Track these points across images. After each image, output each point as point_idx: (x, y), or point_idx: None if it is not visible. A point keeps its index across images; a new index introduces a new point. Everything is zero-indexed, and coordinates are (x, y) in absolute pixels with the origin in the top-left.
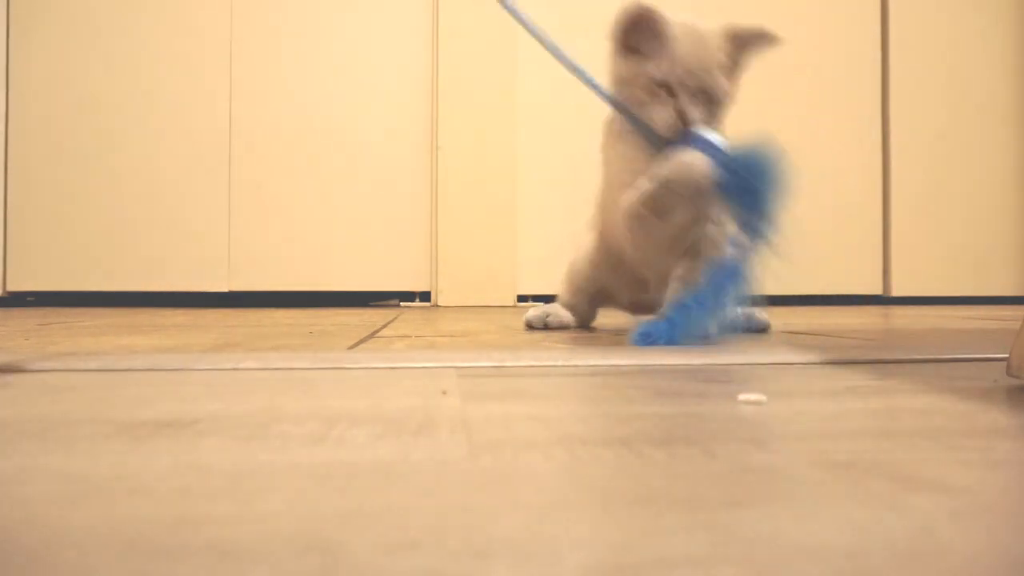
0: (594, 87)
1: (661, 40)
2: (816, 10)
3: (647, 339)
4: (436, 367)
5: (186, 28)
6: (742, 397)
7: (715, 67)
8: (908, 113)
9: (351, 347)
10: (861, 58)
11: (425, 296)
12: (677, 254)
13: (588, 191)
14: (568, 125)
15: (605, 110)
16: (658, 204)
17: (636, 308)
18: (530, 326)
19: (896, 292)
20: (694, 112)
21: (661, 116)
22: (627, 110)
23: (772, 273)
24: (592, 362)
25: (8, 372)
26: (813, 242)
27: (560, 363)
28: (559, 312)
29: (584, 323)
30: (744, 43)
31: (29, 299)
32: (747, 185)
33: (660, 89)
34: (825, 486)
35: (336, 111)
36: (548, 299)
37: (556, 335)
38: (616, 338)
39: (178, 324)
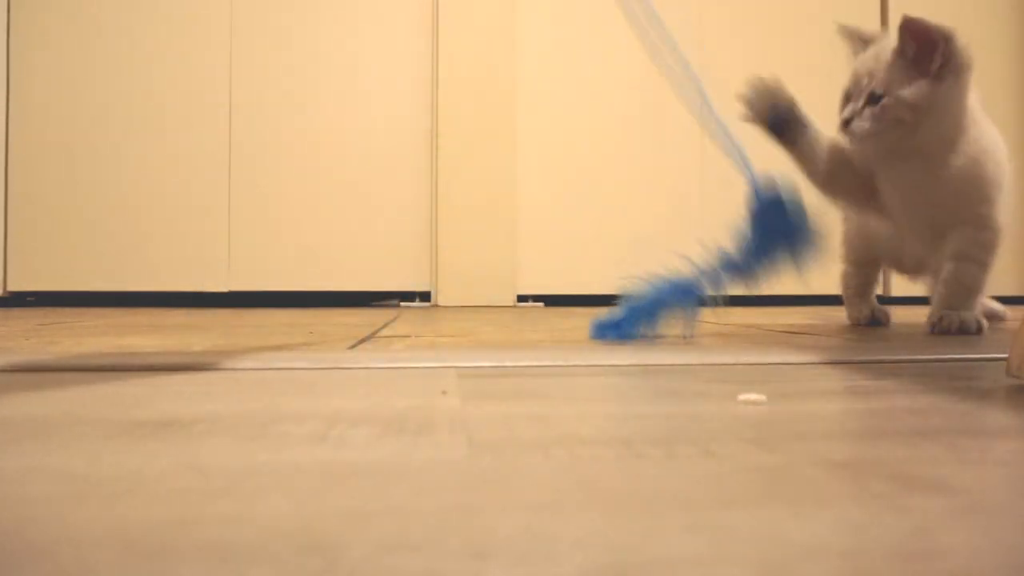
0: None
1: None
2: (816, 11)
3: (601, 332)
4: (436, 367)
5: (186, 27)
6: (742, 397)
7: (880, 71)
8: None
9: (351, 347)
10: None
11: (425, 296)
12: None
13: (587, 191)
14: (569, 124)
15: (606, 110)
16: None
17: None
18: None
19: (896, 292)
20: (847, 113)
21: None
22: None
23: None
24: (592, 362)
25: (8, 372)
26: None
27: (560, 363)
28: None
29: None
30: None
31: (29, 299)
32: (780, 226)
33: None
34: (825, 486)
35: (336, 110)
36: (548, 299)
37: (556, 336)
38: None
39: (178, 324)
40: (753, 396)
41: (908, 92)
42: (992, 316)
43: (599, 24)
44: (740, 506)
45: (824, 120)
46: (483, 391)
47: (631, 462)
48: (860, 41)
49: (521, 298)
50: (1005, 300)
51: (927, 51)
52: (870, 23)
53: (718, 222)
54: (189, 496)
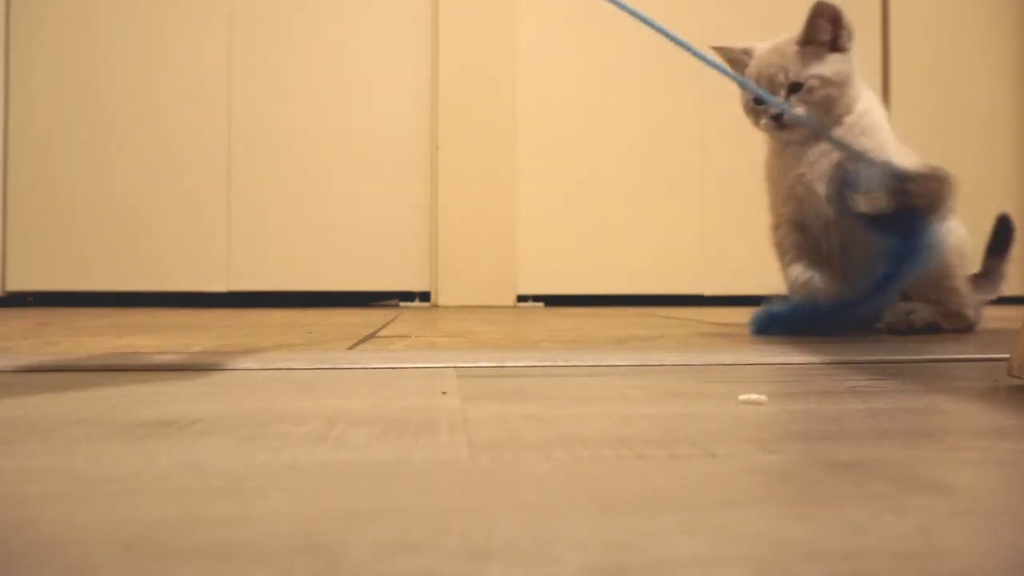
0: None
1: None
2: None
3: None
4: (436, 367)
5: (185, 28)
6: (742, 397)
7: (791, 63)
8: (907, 113)
9: (351, 347)
10: (862, 63)
11: (425, 296)
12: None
13: (587, 190)
14: (568, 125)
15: (606, 110)
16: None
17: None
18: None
19: None
20: (774, 108)
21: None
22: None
23: (774, 273)
24: (592, 362)
25: (9, 372)
26: None
27: (560, 363)
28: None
29: None
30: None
31: (29, 299)
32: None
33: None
34: (825, 486)
35: (336, 111)
36: (548, 299)
37: (556, 336)
38: (616, 338)
39: (178, 324)
40: (753, 396)
41: (827, 69)
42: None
43: (599, 25)
44: (740, 506)
45: None
46: (483, 391)
47: (631, 462)
48: (737, 55)
49: (521, 298)
50: (1005, 300)
51: (831, 32)
52: (871, 22)
53: (718, 222)
54: (189, 496)
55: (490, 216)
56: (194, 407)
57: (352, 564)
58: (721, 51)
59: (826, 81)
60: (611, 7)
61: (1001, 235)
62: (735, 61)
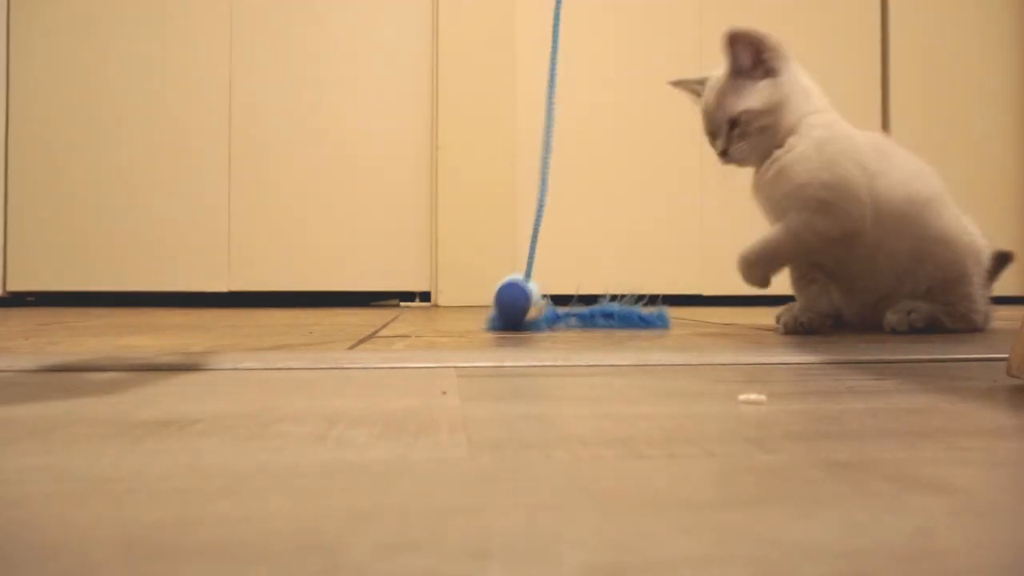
0: None
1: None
2: (816, 10)
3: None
4: (436, 367)
5: (186, 27)
6: (742, 397)
7: (725, 99)
8: (907, 113)
9: (351, 347)
10: (862, 64)
11: (425, 296)
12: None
13: (588, 191)
14: (568, 124)
15: (606, 110)
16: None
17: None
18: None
19: None
20: (720, 145)
21: None
22: None
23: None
24: (592, 362)
25: (9, 372)
26: None
27: (560, 363)
28: None
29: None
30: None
31: (29, 299)
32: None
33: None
34: (825, 486)
35: (336, 111)
36: (548, 299)
37: (555, 336)
38: (616, 338)
39: (178, 324)
40: (753, 396)
41: (755, 101)
42: None
43: (599, 25)
44: (740, 506)
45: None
46: (483, 391)
47: (631, 462)
48: (693, 87)
49: None
50: (1005, 300)
51: (755, 57)
52: (870, 22)
53: (718, 221)
54: (189, 496)
55: (490, 216)
56: (194, 407)
57: (352, 564)
58: (679, 85)
59: (757, 114)
60: (609, 9)
61: (994, 269)
62: (694, 93)
